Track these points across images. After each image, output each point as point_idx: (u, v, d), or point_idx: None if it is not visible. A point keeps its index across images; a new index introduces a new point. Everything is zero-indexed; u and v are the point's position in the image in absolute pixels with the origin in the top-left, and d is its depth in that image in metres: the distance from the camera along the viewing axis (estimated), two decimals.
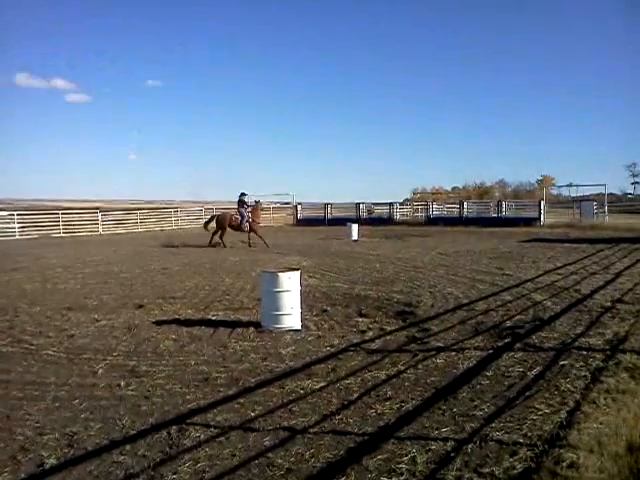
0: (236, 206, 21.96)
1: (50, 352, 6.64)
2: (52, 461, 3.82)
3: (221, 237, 21.58)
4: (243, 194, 21.93)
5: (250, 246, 20.78)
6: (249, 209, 21.88)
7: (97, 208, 36.45)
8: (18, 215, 31.53)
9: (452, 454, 3.71)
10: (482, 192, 56.58)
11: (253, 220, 21.62)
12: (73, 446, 4.06)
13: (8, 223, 30.82)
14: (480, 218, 34.72)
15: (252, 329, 7.48)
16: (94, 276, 13.42)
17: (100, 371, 5.85)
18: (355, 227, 24.97)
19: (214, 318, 8.29)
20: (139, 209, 40.48)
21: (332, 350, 6.47)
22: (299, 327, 7.50)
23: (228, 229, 21.60)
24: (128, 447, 4.00)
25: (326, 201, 42.21)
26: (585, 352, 5.95)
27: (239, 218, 21.51)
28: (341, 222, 30.42)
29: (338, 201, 45.03)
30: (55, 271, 14.56)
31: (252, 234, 21.41)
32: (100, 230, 33.14)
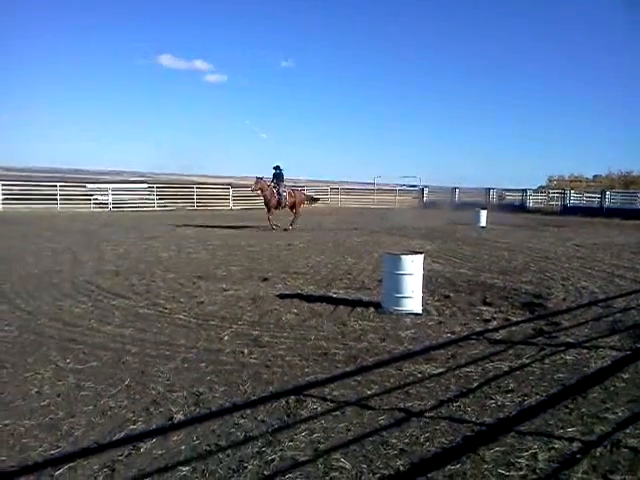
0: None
1: (181, 316, 7.08)
2: (180, 416, 4.08)
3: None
4: (277, 168, 20.29)
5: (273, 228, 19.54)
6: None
7: (229, 184, 37.99)
8: (157, 188, 33.91)
9: (578, 455, 3.48)
10: (628, 182, 51.72)
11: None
12: (199, 405, 4.30)
13: (148, 195, 33.26)
14: (624, 209, 32.05)
15: (372, 309, 7.48)
16: (223, 248, 14.12)
17: (226, 337, 6.14)
18: (484, 213, 23.97)
19: (335, 296, 8.39)
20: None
21: (453, 337, 6.30)
22: (420, 311, 7.38)
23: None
24: (248, 411, 4.16)
25: (454, 185, 41.04)
26: None
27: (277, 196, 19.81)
28: (469, 207, 29.25)
29: (467, 186, 43.38)
30: (188, 242, 15.50)
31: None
32: (231, 205, 34.68)
